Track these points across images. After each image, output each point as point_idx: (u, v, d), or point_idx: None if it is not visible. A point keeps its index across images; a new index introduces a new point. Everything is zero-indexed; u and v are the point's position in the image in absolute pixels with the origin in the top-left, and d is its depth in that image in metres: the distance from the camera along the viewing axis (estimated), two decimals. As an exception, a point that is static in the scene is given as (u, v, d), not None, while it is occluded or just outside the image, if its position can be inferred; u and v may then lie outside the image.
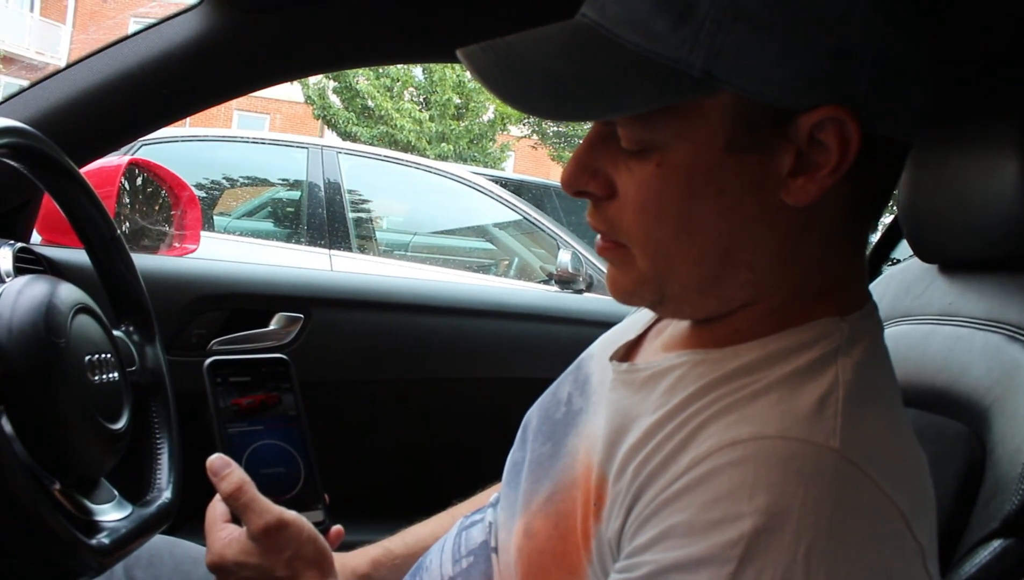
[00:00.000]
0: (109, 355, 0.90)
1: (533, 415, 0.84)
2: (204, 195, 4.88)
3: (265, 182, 5.32)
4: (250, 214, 5.25)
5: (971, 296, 0.95)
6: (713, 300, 0.65)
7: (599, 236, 0.67)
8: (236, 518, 0.78)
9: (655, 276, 0.65)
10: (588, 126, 0.67)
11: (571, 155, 0.67)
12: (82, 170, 0.98)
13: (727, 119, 0.59)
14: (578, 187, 0.65)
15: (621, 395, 0.70)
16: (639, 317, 0.82)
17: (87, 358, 0.85)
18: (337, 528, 0.84)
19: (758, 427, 0.58)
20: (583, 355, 0.85)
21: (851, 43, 0.58)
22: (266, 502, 0.77)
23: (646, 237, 0.64)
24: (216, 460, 0.78)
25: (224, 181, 5.20)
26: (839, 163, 0.59)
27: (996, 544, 0.75)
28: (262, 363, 0.88)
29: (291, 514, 0.77)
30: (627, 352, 0.77)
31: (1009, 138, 0.87)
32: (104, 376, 0.88)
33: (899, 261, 1.17)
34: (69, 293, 0.87)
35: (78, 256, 1.23)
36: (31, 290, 0.83)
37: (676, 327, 0.73)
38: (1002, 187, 0.87)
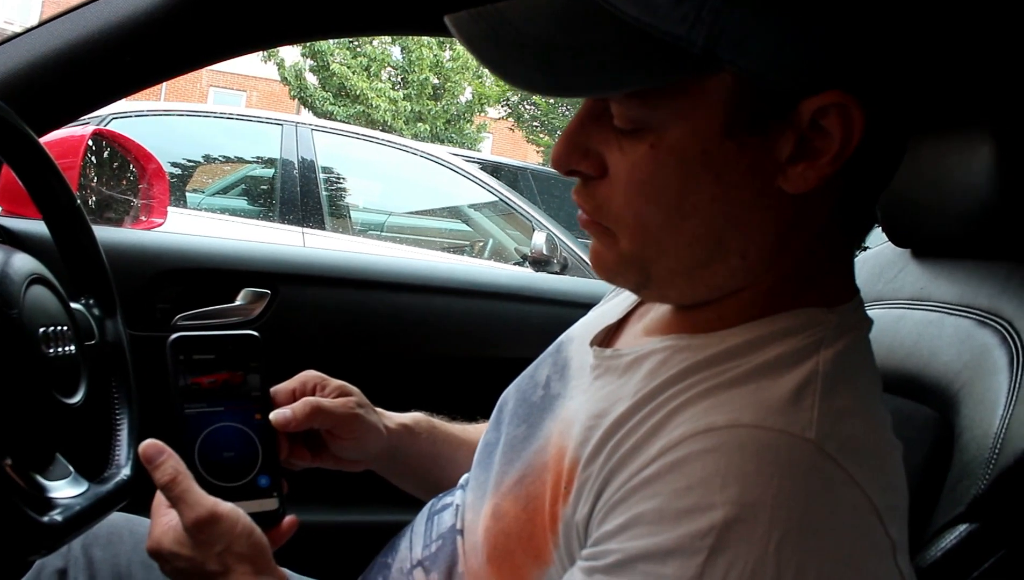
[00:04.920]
0: (65, 328, 0.87)
1: (509, 397, 0.82)
2: (178, 172, 4.82)
3: (239, 159, 5.25)
4: (224, 191, 5.18)
5: (943, 281, 0.95)
6: (701, 287, 0.64)
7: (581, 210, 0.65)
8: None
9: (639, 258, 0.63)
10: (569, 107, 0.64)
11: (546, 138, 0.65)
12: (44, 140, 0.95)
13: (727, 100, 0.57)
14: (569, 166, 0.63)
15: (604, 381, 0.69)
16: (620, 301, 0.80)
17: (41, 330, 0.83)
18: (290, 518, 0.80)
19: (734, 415, 0.57)
20: (562, 338, 0.83)
21: (858, 27, 0.56)
22: (200, 494, 0.73)
23: (635, 221, 0.61)
24: (149, 447, 0.75)
25: (197, 158, 5.12)
26: (841, 150, 0.57)
27: (962, 528, 0.75)
28: (230, 340, 0.83)
29: (226, 507, 0.73)
30: (608, 337, 0.76)
31: (983, 123, 0.87)
32: (59, 349, 0.85)
33: (868, 248, 1.17)
34: (23, 263, 0.84)
35: (39, 227, 1.20)
36: (-18, 260, 0.81)
37: (658, 311, 0.72)
38: (976, 172, 0.87)
